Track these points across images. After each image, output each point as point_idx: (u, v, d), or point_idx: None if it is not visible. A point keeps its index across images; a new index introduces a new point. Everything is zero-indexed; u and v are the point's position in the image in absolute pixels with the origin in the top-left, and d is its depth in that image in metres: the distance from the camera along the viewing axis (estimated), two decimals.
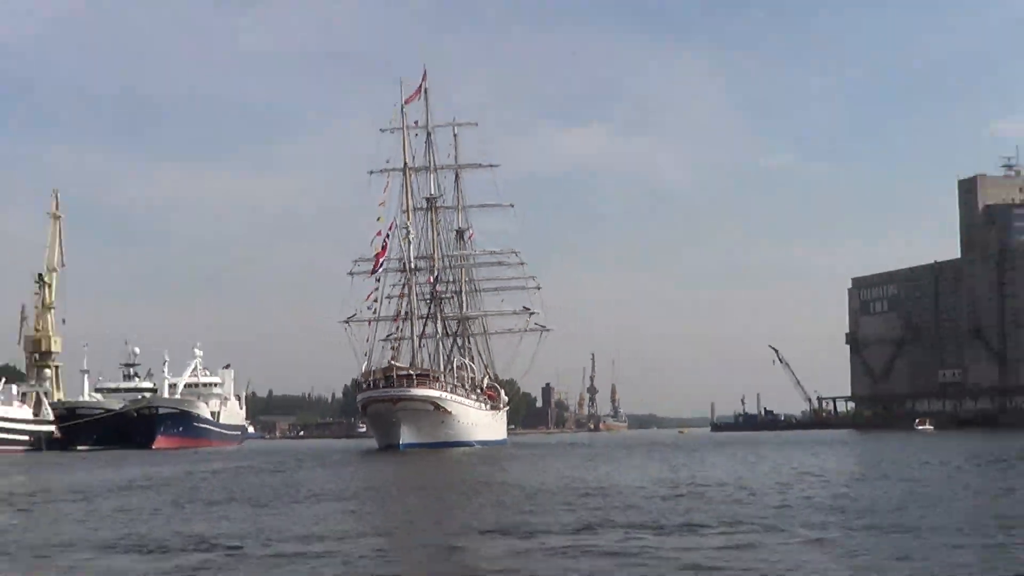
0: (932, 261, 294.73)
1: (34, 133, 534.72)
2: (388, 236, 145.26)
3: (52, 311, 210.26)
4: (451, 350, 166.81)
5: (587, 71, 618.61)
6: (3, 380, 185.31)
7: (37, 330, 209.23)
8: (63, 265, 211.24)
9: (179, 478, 72.87)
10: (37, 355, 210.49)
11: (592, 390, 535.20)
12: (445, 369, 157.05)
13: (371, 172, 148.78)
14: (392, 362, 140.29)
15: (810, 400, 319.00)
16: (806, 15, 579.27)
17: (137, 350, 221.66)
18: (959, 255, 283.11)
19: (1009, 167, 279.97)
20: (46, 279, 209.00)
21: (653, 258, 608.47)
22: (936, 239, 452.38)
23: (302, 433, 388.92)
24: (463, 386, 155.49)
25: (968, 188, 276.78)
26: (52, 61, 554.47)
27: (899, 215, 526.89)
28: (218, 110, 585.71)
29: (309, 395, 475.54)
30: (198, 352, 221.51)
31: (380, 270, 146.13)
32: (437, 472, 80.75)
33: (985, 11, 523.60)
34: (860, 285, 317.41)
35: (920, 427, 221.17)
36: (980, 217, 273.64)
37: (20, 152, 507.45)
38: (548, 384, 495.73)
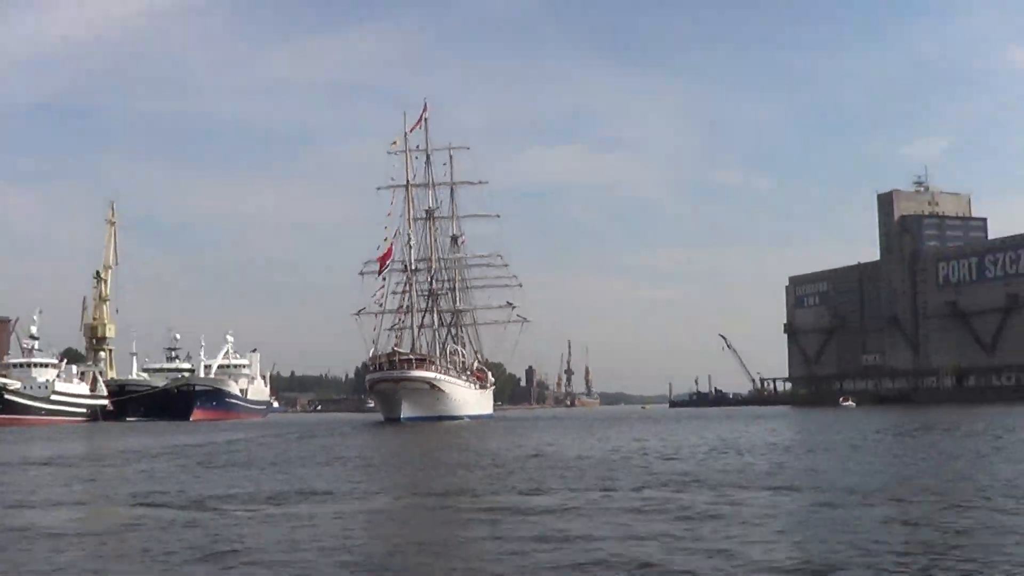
0: (856, 262, 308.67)
1: (95, 148, 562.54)
2: (392, 242, 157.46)
3: (107, 303, 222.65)
4: (445, 338, 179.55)
5: (567, 97, 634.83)
6: (65, 361, 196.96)
7: (94, 319, 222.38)
8: (116, 264, 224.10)
9: (218, 444, 78.94)
10: (94, 340, 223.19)
11: (568, 372, 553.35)
12: (440, 354, 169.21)
13: (379, 188, 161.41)
14: (395, 348, 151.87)
15: (754, 381, 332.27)
16: (759, 52, 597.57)
17: (178, 336, 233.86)
18: (879, 258, 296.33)
19: (919, 184, 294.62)
20: (102, 276, 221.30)
21: (621, 259, 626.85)
22: (859, 244, 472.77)
23: (319, 408, 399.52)
24: (455, 369, 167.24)
25: (886, 201, 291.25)
26: (112, 85, 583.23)
27: (828, 223, 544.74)
28: (253, 130, 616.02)
29: (326, 375, 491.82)
30: (229, 338, 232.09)
31: (385, 271, 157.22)
32: (431, 440, 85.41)
33: (901, 52, 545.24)
34: (796, 283, 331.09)
35: (844, 403, 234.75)
36: (896, 226, 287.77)
37: (83, 164, 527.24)
38: (531, 367, 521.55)
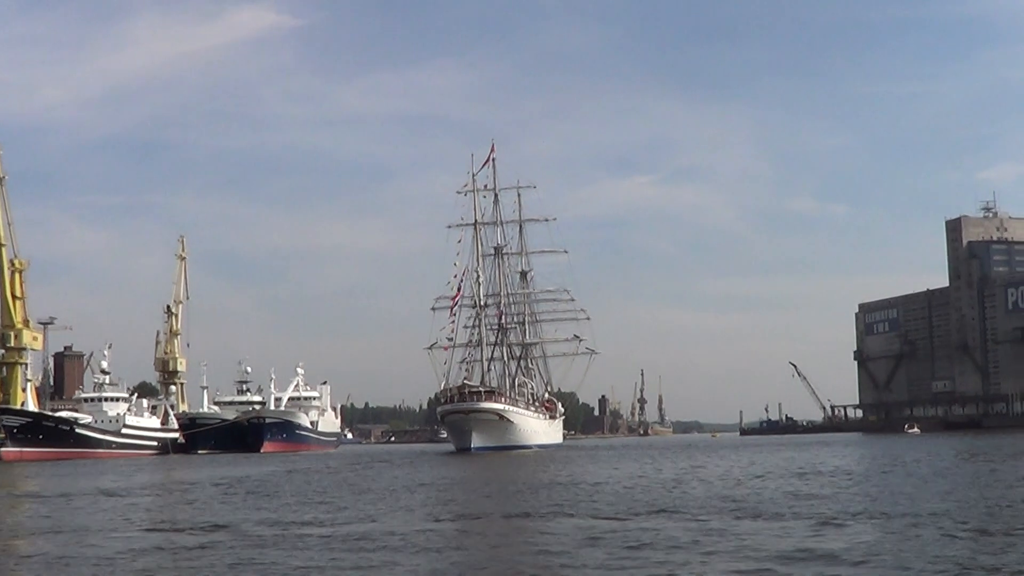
0: (925, 289, 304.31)
1: (169, 183, 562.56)
2: (462, 280, 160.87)
3: (178, 337, 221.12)
4: (515, 371, 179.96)
5: (639, 127, 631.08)
6: (136, 395, 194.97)
7: (166, 353, 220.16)
8: (187, 298, 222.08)
9: (295, 474, 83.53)
10: (166, 374, 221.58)
11: (642, 400, 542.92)
12: (509, 386, 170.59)
13: (449, 226, 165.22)
14: (465, 381, 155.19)
15: (824, 408, 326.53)
16: (831, 79, 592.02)
17: (249, 369, 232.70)
18: (948, 284, 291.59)
19: (988, 209, 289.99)
20: (173, 310, 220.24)
21: (694, 288, 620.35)
22: (929, 271, 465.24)
23: (392, 439, 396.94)
24: (524, 400, 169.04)
25: (954, 228, 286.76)
26: (186, 121, 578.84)
27: (899, 250, 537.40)
28: (326, 164, 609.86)
29: (400, 406, 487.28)
30: (300, 371, 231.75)
31: (456, 308, 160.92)
32: (499, 469, 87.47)
33: (975, 78, 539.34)
34: (865, 309, 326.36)
35: (909, 430, 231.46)
36: (964, 252, 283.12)
37: (157, 199, 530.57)
38: (604, 396, 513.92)
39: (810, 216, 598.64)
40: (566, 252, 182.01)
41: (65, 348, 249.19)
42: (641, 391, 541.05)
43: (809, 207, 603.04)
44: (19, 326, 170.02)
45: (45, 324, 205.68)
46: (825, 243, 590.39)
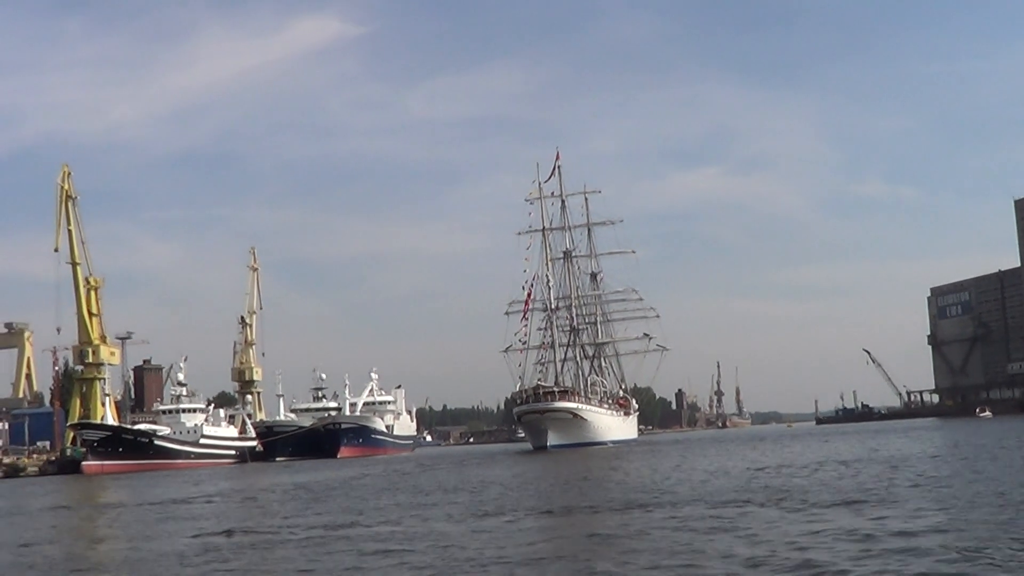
0: (996, 270, 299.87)
1: (240, 195, 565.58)
2: (532, 286, 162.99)
3: (253, 347, 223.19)
4: (588, 370, 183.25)
5: (702, 119, 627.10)
6: (213, 405, 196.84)
7: (241, 363, 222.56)
8: (261, 308, 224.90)
9: (386, 475, 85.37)
10: (242, 383, 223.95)
11: (719, 393, 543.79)
12: (582, 385, 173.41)
13: (518, 233, 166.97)
14: (539, 382, 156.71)
15: (900, 394, 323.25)
16: (893, 61, 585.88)
17: (324, 376, 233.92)
18: (1019, 264, 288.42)
19: None
20: (247, 321, 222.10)
21: (765, 278, 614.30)
22: (999, 251, 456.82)
23: (471, 440, 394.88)
24: (597, 398, 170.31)
25: (1023, 207, 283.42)
26: (253, 133, 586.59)
27: (970, 231, 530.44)
28: (390, 170, 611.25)
29: (477, 407, 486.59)
30: (374, 376, 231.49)
31: (528, 312, 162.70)
32: (574, 465, 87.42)
33: None
34: (937, 293, 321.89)
35: (981, 414, 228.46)
36: None
37: (228, 211, 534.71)
38: (680, 390, 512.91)
39: (878, 200, 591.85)
40: (634, 252, 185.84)
41: (144, 362, 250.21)
42: (718, 383, 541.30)
43: (877, 191, 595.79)
44: (96, 342, 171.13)
45: (123, 339, 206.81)
46: (894, 227, 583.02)
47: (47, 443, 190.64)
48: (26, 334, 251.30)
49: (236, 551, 32.49)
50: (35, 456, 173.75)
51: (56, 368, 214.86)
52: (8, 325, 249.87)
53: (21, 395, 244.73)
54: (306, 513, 47.26)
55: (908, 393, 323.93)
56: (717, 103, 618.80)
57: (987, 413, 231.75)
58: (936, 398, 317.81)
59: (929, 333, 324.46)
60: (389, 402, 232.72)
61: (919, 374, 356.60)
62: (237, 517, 48.23)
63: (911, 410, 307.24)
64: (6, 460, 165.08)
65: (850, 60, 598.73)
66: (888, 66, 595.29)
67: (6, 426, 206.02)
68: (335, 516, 44.20)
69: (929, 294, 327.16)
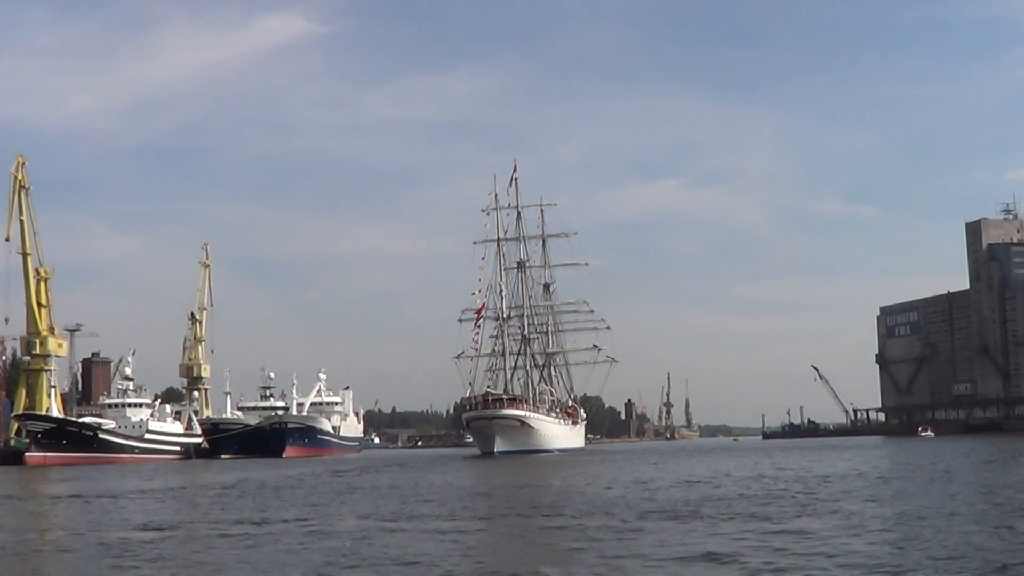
0: (946, 291, 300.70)
1: (197, 189, 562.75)
2: (486, 294, 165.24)
3: (202, 343, 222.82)
4: (538, 379, 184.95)
5: (665, 131, 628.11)
6: (160, 401, 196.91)
7: (190, 359, 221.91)
8: (212, 305, 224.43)
9: (316, 476, 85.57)
10: (189, 380, 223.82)
11: (668, 404, 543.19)
12: (531, 394, 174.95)
13: (474, 242, 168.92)
14: (489, 389, 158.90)
15: (847, 411, 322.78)
16: (857, 82, 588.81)
17: (272, 375, 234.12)
18: (968, 286, 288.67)
19: (1007, 211, 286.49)
20: (197, 317, 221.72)
21: (720, 291, 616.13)
22: (949, 273, 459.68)
23: (419, 443, 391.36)
24: (545, 406, 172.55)
25: (974, 230, 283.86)
26: (214, 128, 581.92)
27: (921, 252, 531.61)
28: (353, 169, 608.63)
29: (427, 411, 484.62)
30: (322, 376, 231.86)
31: (481, 321, 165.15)
32: (520, 470, 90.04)
33: (999, 80, 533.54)
34: (887, 312, 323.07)
35: (923, 433, 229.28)
36: (984, 255, 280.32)
37: (185, 206, 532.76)
38: (629, 400, 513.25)
39: (836, 218, 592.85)
40: (587, 264, 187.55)
41: (92, 354, 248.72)
42: (667, 395, 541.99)
43: (835, 209, 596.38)
44: (44, 333, 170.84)
45: (71, 331, 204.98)
46: (850, 245, 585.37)
47: None
48: None
49: (143, 545, 33.13)
50: None
51: (3, 358, 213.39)
52: None
53: None
54: (225, 510, 48.37)
55: (855, 411, 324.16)
56: (680, 116, 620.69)
57: (929, 433, 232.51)
58: (883, 416, 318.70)
59: (877, 352, 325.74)
60: (336, 403, 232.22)
61: (866, 392, 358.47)
62: (162, 512, 49.29)
63: (857, 428, 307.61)
64: None
65: (814, 79, 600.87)
66: (851, 86, 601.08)
67: None
68: (249, 513, 45.38)
69: (879, 313, 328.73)
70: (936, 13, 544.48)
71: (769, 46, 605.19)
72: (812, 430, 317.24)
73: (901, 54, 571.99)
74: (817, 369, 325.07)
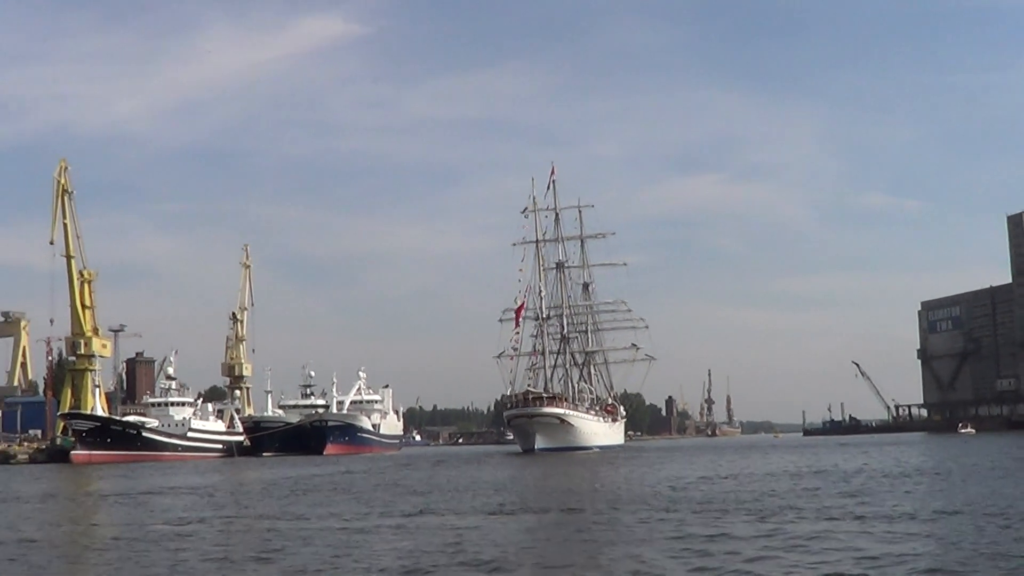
0: (988, 285, 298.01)
1: (240, 190, 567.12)
2: (525, 296, 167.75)
3: (244, 343, 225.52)
4: (578, 377, 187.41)
5: (706, 126, 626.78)
6: (202, 399, 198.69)
7: (231, 358, 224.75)
8: (252, 305, 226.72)
9: (367, 472, 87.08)
10: (231, 379, 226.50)
11: (709, 401, 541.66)
12: (571, 392, 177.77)
13: (513, 244, 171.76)
14: (529, 387, 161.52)
15: (888, 407, 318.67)
16: (900, 73, 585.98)
17: (313, 373, 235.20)
18: (1010, 280, 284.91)
19: None
20: (239, 317, 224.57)
21: (763, 287, 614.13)
22: (993, 267, 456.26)
23: (460, 440, 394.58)
24: (584, 404, 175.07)
25: (1016, 223, 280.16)
26: (256, 129, 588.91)
27: (964, 246, 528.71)
28: (392, 169, 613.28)
29: (468, 408, 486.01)
30: (362, 375, 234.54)
31: (520, 321, 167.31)
32: (560, 468, 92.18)
33: None
34: (928, 307, 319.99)
35: (963, 430, 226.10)
36: None
37: (228, 206, 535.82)
38: (670, 397, 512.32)
39: (880, 211, 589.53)
40: (625, 264, 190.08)
41: (136, 354, 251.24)
42: (708, 391, 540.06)
43: (880, 202, 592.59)
44: (88, 334, 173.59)
45: (116, 331, 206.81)
46: (893, 239, 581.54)
47: (39, 432, 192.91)
48: (23, 323, 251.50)
49: (179, 539, 34.81)
50: (26, 444, 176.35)
51: (49, 359, 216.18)
52: (5, 314, 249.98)
53: (16, 384, 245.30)
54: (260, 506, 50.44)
55: (896, 407, 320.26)
56: (721, 110, 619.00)
57: (969, 429, 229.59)
58: (925, 412, 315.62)
59: (919, 347, 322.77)
60: (376, 401, 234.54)
61: (909, 388, 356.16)
62: (199, 508, 50.71)
63: (899, 424, 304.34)
64: None
65: (856, 70, 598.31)
66: (894, 77, 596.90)
67: None
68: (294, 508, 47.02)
69: (920, 308, 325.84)
70: (980, 1, 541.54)
71: (810, 37, 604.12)
72: (853, 427, 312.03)
73: (944, 43, 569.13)
74: (858, 365, 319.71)
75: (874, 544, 28.23)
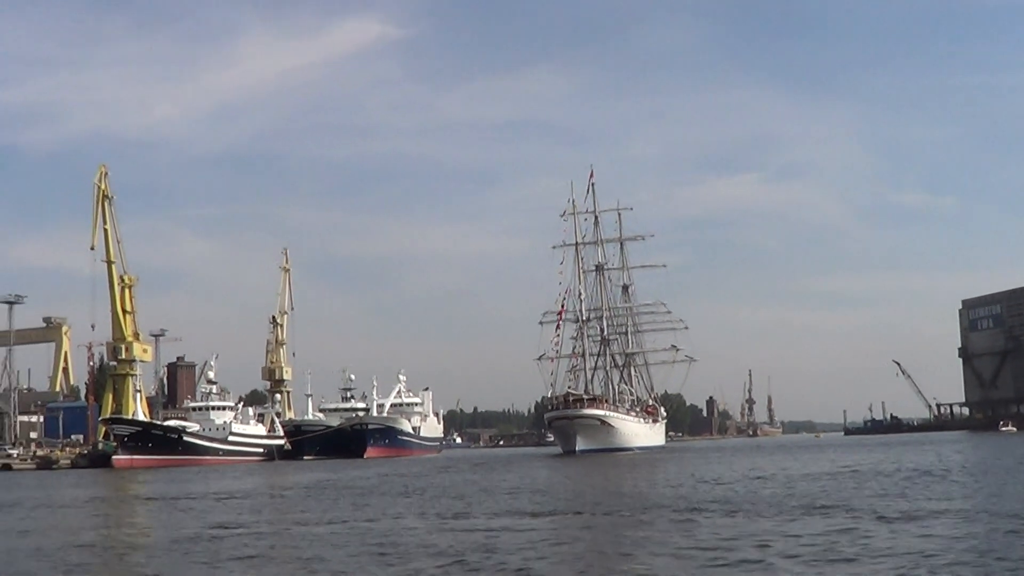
0: None
1: (277, 194, 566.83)
2: (565, 298, 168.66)
3: (284, 347, 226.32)
4: (618, 379, 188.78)
5: (743, 126, 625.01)
6: (243, 404, 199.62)
7: (271, 362, 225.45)
8: (292, 309, 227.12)
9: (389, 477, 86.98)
10: (272, 382, 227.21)
11: (750, 401, 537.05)
12: (612, 393, 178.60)
13: (553, 247, 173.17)
14: (569, 389, 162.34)
15: (930, 406, 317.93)
16: (936, 71, 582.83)
17: (353, 376, 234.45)
18: None
19: None
20: (278, 320, 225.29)
21: (801, 286, 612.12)
22: None
23: (501, 443, 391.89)
24: (625, 405, 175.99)
25: None
26: (293, 133, 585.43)
27: (1004, 244, 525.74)
28: (428, 171, 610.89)
29: (509, 410, 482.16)
30: (402, 378, 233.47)
31: (561, 323, 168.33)
32: (601, 468, 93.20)
33: None
34: (969, 305, 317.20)
35: (1003, 428, 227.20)
36: None
37: (265, 210, 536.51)
38: (711, 397, 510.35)
39: (918, 209, 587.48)
40: (664, 266, 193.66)
41: (177, 359, 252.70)
42: (749, 391, 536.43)
43: (917, 200, 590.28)
44: (129, 339, 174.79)
45: (156, 336, 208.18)
46: (931, 238, 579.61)
47: (80, 436, 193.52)
48: (64, 328, 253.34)
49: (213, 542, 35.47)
50: (68, 449, 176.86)
51: (91, 363, 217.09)
52: (47, 320, 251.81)
53: (58, 389, 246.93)
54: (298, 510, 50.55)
55: (938, 405, 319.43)
56: (757, 109, 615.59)
57: (1010, 427, 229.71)
58: (966, 411, 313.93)
59: (960, 346, 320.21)
60: (416, 404, 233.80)
61: (950, 387, 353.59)
62: (232, 512, 51.13)
63: (940, 423, 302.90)
64: (40, 452, 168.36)
65: (893, 68, 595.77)
66: (931, 75, 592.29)
67: (42, 419, 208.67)
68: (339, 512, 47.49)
69: (960, 306, 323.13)
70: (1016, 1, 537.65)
71: (846, 36, 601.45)
72: (895, 425, 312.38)
73: (980, 41, 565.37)
74: (899, 364, 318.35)
75: None
